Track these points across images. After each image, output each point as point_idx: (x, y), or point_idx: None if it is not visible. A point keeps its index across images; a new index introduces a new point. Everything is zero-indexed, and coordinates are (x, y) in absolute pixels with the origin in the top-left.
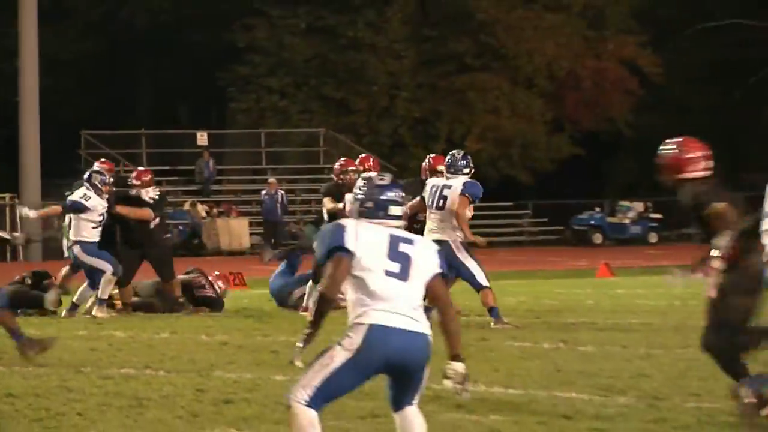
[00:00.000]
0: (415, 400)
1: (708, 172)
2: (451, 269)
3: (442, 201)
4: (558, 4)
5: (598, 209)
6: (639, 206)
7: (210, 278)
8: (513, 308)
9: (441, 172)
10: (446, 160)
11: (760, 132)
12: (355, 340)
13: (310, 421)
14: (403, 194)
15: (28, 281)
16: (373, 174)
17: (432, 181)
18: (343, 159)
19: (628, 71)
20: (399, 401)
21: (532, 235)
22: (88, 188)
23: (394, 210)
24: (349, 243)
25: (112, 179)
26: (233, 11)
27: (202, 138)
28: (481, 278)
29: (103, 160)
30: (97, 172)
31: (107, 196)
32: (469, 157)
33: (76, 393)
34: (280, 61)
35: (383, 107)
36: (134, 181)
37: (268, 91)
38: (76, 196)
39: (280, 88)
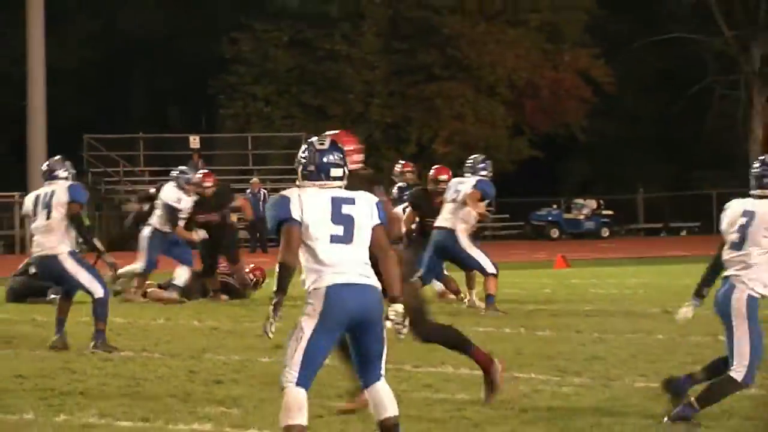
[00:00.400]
0: (382, 372)
1: (358, 165)
2: (455, 260)
3: (456, 194)
4: (518, 19)
5: (555, 206)
6: (592, 203)
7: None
8: (478, 297)
9: (443, 181)
10: (467, 162)
11: (704, 137)
12: (316, 305)
13: (299, 404)
14: (343, 156)
15: (32, 270)
16: (313, 138)
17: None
18: (401, 162)
19: (582, 81)
20: (366, 373)
21: (495, 230)
22: (178, 190)
23: (335, 172)
24: (295, 213)
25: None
26: (221, 25)
27: (194, 141)
28: (487, 265)
29: (205, 171)
30: (182, 172)
31: (192, 194)
32: (488, 161)
33: (78, 374)
34: (264, 71)
35: (358, 113)
36: (206, 184)
37: (253, 99)
38: (170, 200)
39: (264, 95)
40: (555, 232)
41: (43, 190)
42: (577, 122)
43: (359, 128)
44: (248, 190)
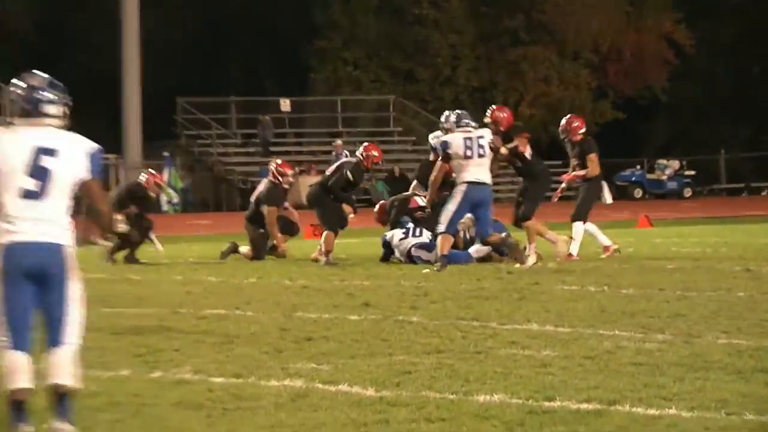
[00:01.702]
0: (66, 339)
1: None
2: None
3: (481, 150)
4: None
5: (638, 167)
6: (675, 164)
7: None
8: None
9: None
10: (445, 118)
11: None
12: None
13: (19, 367)
14: (60, 94)
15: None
16: (27, 74)
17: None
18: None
19: (665, 44)
20: (49, 333)
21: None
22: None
23: (50, 109)
24: None
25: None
26: None
27: (284, 104)
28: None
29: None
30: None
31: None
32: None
33: (173, 331)
34: (354, 36)
35: (446, 77)
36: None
37: (343, 63)
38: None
39: (353, 60)
40: (638, 193)
41: None
42: (659, 85)
43: (446, 91)
44: (333, 153)
